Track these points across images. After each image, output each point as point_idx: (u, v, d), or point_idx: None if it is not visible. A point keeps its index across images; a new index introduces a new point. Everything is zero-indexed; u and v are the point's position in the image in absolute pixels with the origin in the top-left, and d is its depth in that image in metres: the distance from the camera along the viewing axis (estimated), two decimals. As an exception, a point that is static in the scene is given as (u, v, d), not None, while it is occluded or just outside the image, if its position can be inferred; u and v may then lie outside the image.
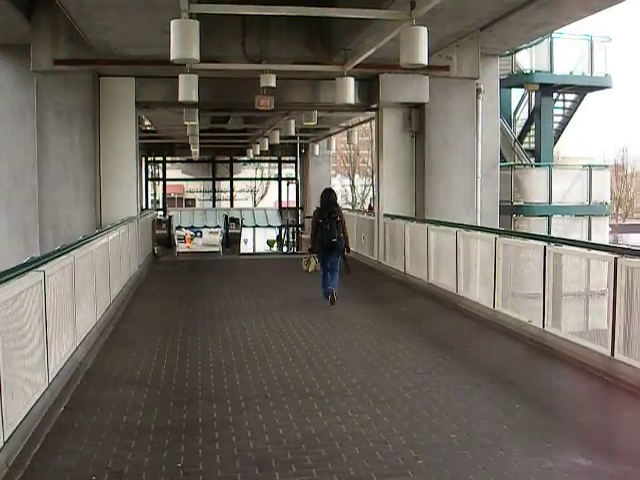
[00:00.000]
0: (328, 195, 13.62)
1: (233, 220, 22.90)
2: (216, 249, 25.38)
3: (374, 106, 18.31)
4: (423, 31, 10.79)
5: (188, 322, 11.47)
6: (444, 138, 17.70)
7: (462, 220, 16.36)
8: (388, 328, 11.10)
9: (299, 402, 7.29)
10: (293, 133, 24.70)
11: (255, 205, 59.82)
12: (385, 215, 17.95)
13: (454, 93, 17.77)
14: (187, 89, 14.30)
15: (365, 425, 6.59)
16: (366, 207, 46.18)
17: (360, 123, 28.69)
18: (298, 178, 40.86)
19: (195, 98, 14.26)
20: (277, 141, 28.74)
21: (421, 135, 17.84)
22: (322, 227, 13.17)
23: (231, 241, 22.67)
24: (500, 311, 11.17)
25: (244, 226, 23.79)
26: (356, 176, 63.73)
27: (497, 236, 11.60)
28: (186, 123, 20.25)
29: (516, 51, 23.18)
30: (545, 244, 9.87)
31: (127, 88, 16.88)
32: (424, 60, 10.99)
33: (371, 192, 60.90)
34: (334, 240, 13.15)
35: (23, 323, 6.40)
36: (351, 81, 15.14)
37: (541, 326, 9.79)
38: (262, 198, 64.57)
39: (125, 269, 14.31)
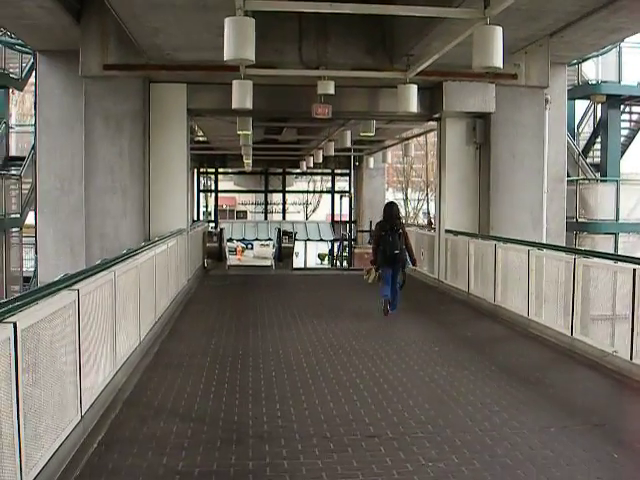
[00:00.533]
0: (390, 208, 13.77)
1: (286, 234, 22.09)
2: (268, 263, 24.67)
3: (436, 116, 17.41)
4: (498, 31, 9.96)
5: (238, 343, 10.64)
6: (511, 150, 16.70)
7: (529, 237, 15.41)
8: (455, 355, 10.13)
9: (363, 444, 6.37)
10: (349, 145, 23.82)
11: (307, 218, 59.21)
12: (447, 231, 16.99)
13: (522, 103, 16.78)
14: (241, 95, 13.59)
15: (442, 477, 5.67)
16: (421, 221, 45.21)
17: (417, 135, 27.86)
18: (351, 191, 39.98)
19: (249, 105, 13.55)
20: (332, 153, 27.97)
21: (486, 147, 16.87)
22: (385, 239, 13.24)
23: (284, 255, 21.85)
24: (579, 339, 10.16)
25: (296, 239, 22.95)
26: (408, 190, 62.82)
27: (576, 256, 10.59)
28: (239, 132, 19.54)
29: (583, 60, 22.03)
30: (635, 266, 8.84)
31: (178, 95, 16.20)
32: (499, 62, 10.12)
33: (425, 206, 60.00)
34: (396, 252, 13.21)
35: (53, 349, 5.62)
36: (414, 88, 14.32)
37: (628, 357, 8.78)
38: (314, 211, 64.06)
39: (173, 284, 13.57)
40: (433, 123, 24.91)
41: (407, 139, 28.80)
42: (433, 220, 22.97)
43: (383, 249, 13.25)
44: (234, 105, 13.67)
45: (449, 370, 9.20)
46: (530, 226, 16.76)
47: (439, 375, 8.95)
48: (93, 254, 15.32)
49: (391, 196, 56.22)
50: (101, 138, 15.55)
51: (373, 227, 26.68)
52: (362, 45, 15.44)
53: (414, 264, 14.03)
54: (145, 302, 10.05)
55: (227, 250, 22.91)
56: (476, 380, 8.70)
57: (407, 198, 60.62)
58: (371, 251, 13.99)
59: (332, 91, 14.37)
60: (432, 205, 62.58)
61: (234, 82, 13.64)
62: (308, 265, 37.37)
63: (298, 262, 31.51)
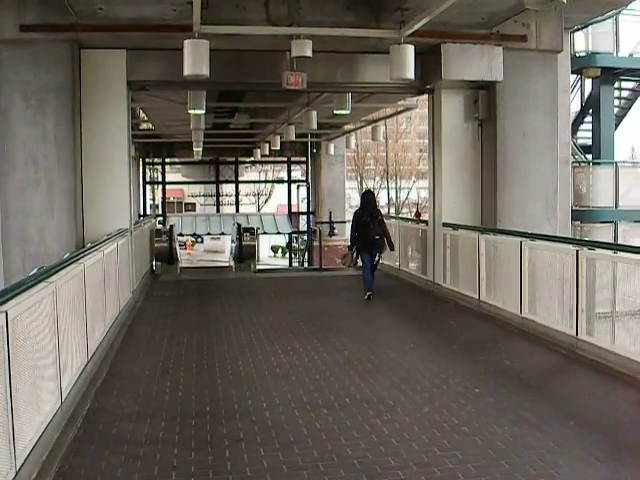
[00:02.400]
0: (367, 196, 14.51)
1: (247, 230, 18.95)
2: (225, 261, 21.67)
3: (429, 87, 14.46)
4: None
5: (202, 393, 7.65)
6: (520, 127, 13.89)
7: (543, 230, 12.69)
8: (506, 401, 7.29)
9: None
10: (314, 127, 20.69)
11: (259, 210, 56.26)
12: (445, 224, 14.15)
13: (532, 70, 13.98)
14: (195, 59, 10.78)
15: None
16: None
17: (389, 116, 24.85)
18: (309, 180, 37.10)
19: (206, 71, 10.81)
20: (292, 137, 24.86)
21: (490, 123, 14.04)
22: (364, 226, 13.83)
23: (245, 255, 18.71)
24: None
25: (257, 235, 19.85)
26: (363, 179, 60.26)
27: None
28: (190, 112, 16.42)
29: (584, 26, 19.29)
30: None
31: (116, 63, 13.02)
32: None
33: (393, 197, 57.50)
34: (377, 238, 13.90)
35: None
36: (410, 50, 11.59)
37: None
38: (266, 202, 61.24)
39: (113, 303, 10.54)
40: (407, 102, 22.40)
41: (376, 121, 25.96)
42: (421, 211, 20.31)
43: (363, 235, 13.85)
44: (186, 71, 10.80)
45: (512, 431, 6.35)
46: (544, 217, 14.02)
47: (502, 441, 6.10)
48: (13, 263, 12.27)
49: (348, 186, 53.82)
50: (19, 119, 12.34)
51: (333, 218, 24.34)
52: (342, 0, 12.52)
53: (392, 249, 14.56)
54: (68, 341, 7.05)
55: (179, 250, 19.80)
56: (561, 450, 5.89)
57: (396, 187, 57.88)
58: (349, 237, 14.64)
59: (309, 52, 11.42)
60: (412, 194, 60.70)
61: (186, 42, 10.76)
62: (271, 265, 34.41)
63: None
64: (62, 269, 7.14)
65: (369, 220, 13.76)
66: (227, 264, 22.29)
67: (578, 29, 18.88)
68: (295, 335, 10.42)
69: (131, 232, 13.48)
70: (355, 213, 14.33)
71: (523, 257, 10.69)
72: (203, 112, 16.58)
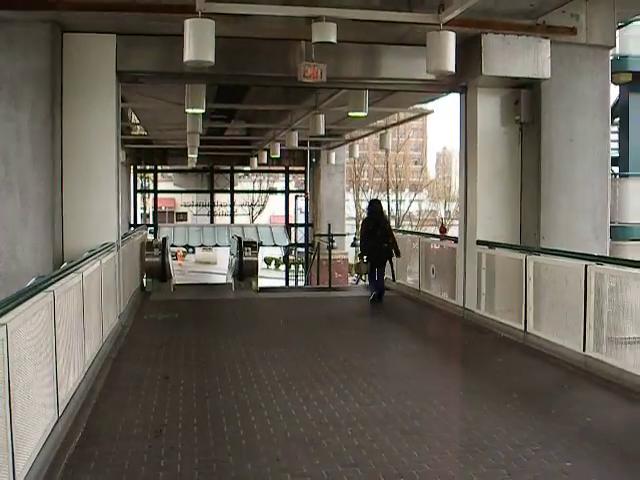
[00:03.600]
0: (374, 206, 14.96)
1: (249, 244, 17.02)
2: (221, 276, 19.84)
3: (462, 84, 12.67)
4: None
5: (204, 471, 5.75)
6: (568, 132, 12.09)
7: (591, 250, 10.88)
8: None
9: None
10: (322, 132, 18.71)
11: (253, 221, 54.50)
12: (480, 242, 12.34)
13: (581, 68, 12.20)
14: (198, 43, 9.00)
15: None
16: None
17: (402, 122, 22.97)
18: (307, 191, 35.28)
19: (211, 57, 8.92)
20: (295, 144, 22.90)
21: (533, 127, 12.24)
22: (373, 234, 14.24)
23: (246, 272, 16.76)
24: None
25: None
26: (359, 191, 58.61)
27: None
28: (188, 111, 14.54)
29: (626, 23, 17.47)
30: None
31: (104, 50, 11.15)
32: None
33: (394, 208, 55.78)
34: (385, 245, 14.28)
35: None
36: (451, 37, 9.77)
37: None
38: (260, 213, 59.58)
39: (94, 334, 8.67)
40: (422, 106, 20.59)
41: (385, 128, 24.10)
42: (445, 225, 18.54)
43: (372, 244, 14.23)
44: (187, 57, 9.04)
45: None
46: (592, 235, 12.19)
47: None
48: (-22, 284, 10.39)
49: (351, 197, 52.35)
50: (-12, 112, 10.53)
51: (332, 230, 23.59)
52: (367, -21, 10.72)
53: (398, 256, 14.59)
54: (29, 400, 5.19)
55: (172, 266, 17.91)
56: None
57: (397, 199, 56.19)
58: (360, 246, 15.01)
59: (333, 38, 9.62)
60: (423, 206, 59.01)
61: (188, 22, 8.95)
62: (274, 285, 32.42)
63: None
64: (22, 301, 5.29)
65: (377, 228, 14.23)
66: (225, 280, 20.42)
67: (620, 26, 17.10)
68: (315, 376, 8.57)
69: (118, 247, 11.61)
70: (364, 222, 15.01)
71: (589, 284, 8.90)
72: (202, 111, 14.69)
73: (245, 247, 16.74)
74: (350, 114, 15.41)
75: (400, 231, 18.77)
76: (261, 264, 49.92)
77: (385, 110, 20.59)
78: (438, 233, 18.51)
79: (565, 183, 12.09)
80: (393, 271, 15.19)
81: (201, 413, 7.11)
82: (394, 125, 24.43)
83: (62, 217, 10.95)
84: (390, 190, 56.82)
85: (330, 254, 19.71)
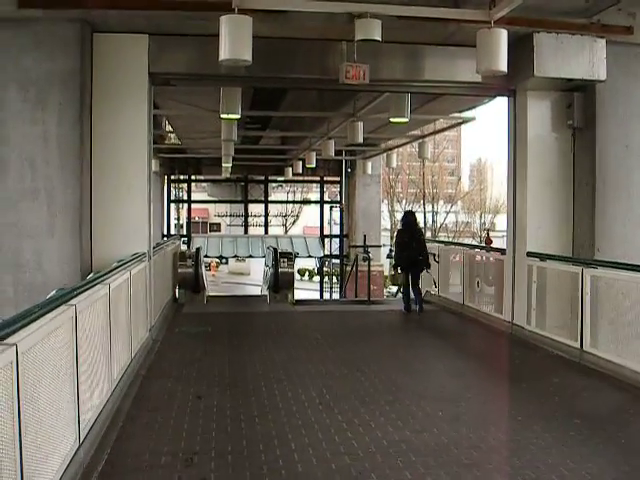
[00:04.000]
0: (408, 218, 14.98)
1: (285, 255, 16.42)
2: (255, 287, 19.23)
3: (511, 88, 12.00)
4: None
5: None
6: (623, 138, 11.38)
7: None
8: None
9: None
10: (360, 140, 18.06)
11: (286, 232, 53.96)
12: (530, 254, 11.64)
13: (638, 70, 11.52)
14: (234, 41, 8.46)
15: None
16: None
17: (440, 130, 22.29)
18: (343, 201, 34.64)
19: (248, 56, 8.38)
20: (331, 153, 22.27)
21: (587, 133, 11.53)
22: (408, 246, 14.24)
23: (282, 284, 16.15)
24: None
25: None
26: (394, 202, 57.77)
27: None
28: (223, 117, 13.97)
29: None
30: None
31: (136, 51, 10.63)
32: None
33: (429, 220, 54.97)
34: (420, 258, 14.28)
35: None
36: (503, 35, 9.14)
37: None
38: (294, 223, 59.09)
39: (122, 350, 8.13)
40: (464, 114, 19.86)
41: (424, 136, 23.44)
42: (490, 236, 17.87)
43: (407, 255, 14.25)
44: (223, 55, 8.51)
45: None
46: (649, 247, 11.47)
47: None
48: (1, 293, 9.90)
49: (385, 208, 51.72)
50: (14, 114, 9.99)
51: (367, 242, 23.59)
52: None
53: (429, 268, 14.57)
54: (50, 421, 4.64)
55: (205, 276, 17.37)
56: None
57: (433, 210, 55.38)
58: (394, 257, 15.17)
59: (378, 35, 9.01)
60: (459, 218, 58.06)
61: (223, 18, 8.39)
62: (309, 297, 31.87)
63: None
64: (38, 317, 4.74)
65: (411, 240, 14.27)
66: (259, 292, 19.84)
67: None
68: (359, 397, 7.94)
69: (150, 257, 11.06)
70: (398, 233, 15.14)
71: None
72: (237, 117, 14.11)
73: (281, 258, 16.14)
74: (391, 120, 14.75)
75: (441, 242, 18.10)
76: (296, 276, 49.54)
77: (425, 117, 19.91)
78: (483, 244, 17.81)
79: (621, 191, 11.36)
80: (435, 282, 15.51)
81: (236, 439, 6.50)
82: (433, 134, 23.72)
83: (91, 226, 10.42)
84: (426, 201, 55.89)
85: (369, 266, 19.10)
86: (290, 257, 16.53)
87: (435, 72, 11.77)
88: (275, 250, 16.48)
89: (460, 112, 19.04)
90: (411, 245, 14.17)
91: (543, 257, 11.35)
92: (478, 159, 76.90)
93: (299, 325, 13.39)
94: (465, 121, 19.62)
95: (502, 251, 13.01)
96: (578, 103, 11.53)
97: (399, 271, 14.45)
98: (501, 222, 73.58)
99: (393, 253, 16.52)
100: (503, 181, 63.27)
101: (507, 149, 12.44)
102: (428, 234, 50.95)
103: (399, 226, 15.46)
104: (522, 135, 11.91)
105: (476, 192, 68.02)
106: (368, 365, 9.63)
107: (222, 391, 8.26)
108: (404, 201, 58.85)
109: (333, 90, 12.96)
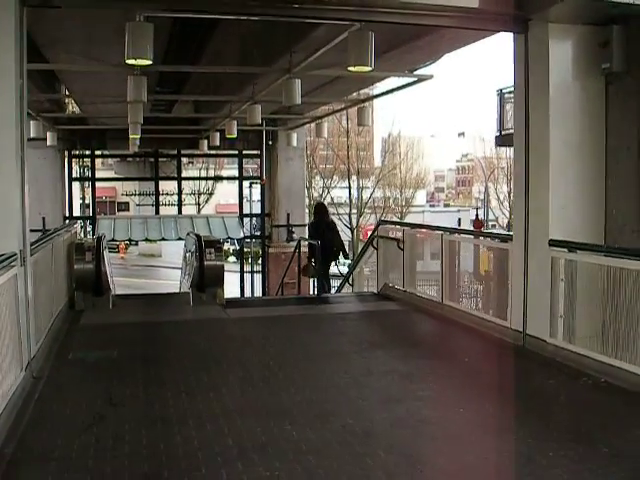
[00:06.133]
0: (320, 208, 16.00)
1: (211, 244, 12.95)
2: (173, 279, 15.93)
3: (525, 17, 8.87)
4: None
5: None
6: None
7: None
8: None
9: None
10: (298, 101, 14.66)
11: (199, 211, 50.30)
12: (554, 242, 8.61)
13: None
14: None
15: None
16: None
17: (391, 91, 18.98)
18: (264, 177, 31.47)
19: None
20: (258, 120, 18.78)
21: (629, 81, 8.58)
22: (323, 237, 14.63)
23: (208, 281, 12.69)
24: None
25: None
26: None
27: None
28: (130, 62, 10.34)
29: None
30: None
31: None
32: None
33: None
34: (335, 249, 15.09)
35: None
36: None
37: None
38: (207, 202, 55.40)
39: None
40: (422, 72, 16.65)
41: (364, 101, 20.33)
42: (486, 222, 15.04)
43: (322, 245, 14.32)
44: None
45: None
46: None
47: None
48: None
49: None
50: None
51: (291, 221, 21.81)
52: None
53: (347, 257, 16.34)
54: None
55: (110, 274, 13.87)
56: None
57: (358, 186, 52.36)
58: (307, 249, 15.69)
59: None
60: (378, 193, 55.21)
61: None
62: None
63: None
64: None
65: (326, 231, 14.92)
66: (179, 288, 16.40)
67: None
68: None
69: (24, 258, 7.57)
70: (311, 225, 15.97)
71: None
72: (149, 62, 10.48)
73: (207, 249, 12.70)
74: (350, 68, 11.26)
75: (406, 224, 15.13)
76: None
77: (377, 74, 16.68)
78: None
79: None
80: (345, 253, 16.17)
81: None
82: (375, 97, 20.68)
83: None
84: (350, 176, 52.89)
85: (299, 248, 16.45)
86: (219, 246, 13.08)
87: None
88: (199, 238, 12.95)
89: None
90: (326, 236, 14.72)
91: (573, 247, 8.36)
92: (388, 134, 73.54)
93: (237, 342, 9.90)
94: (420, 80, 16.48)
95: (504, 238, 10.00)
96: (617, 38, 8.51)
97: (313, 263, 14.90)
98: (420, 198, 71.42)
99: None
100: (424, 155, 60.81)
101: (514, 104, 9.36)
102: (354, 211, 48.29)
103: (311, 219, 16.41)
104: (539, 85, 8.82)
105: (397, 166, 65.28)
106: (350, 413, 6.43)
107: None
108: (318, 176, 55.33)
109: (288, 18, 9.39)
